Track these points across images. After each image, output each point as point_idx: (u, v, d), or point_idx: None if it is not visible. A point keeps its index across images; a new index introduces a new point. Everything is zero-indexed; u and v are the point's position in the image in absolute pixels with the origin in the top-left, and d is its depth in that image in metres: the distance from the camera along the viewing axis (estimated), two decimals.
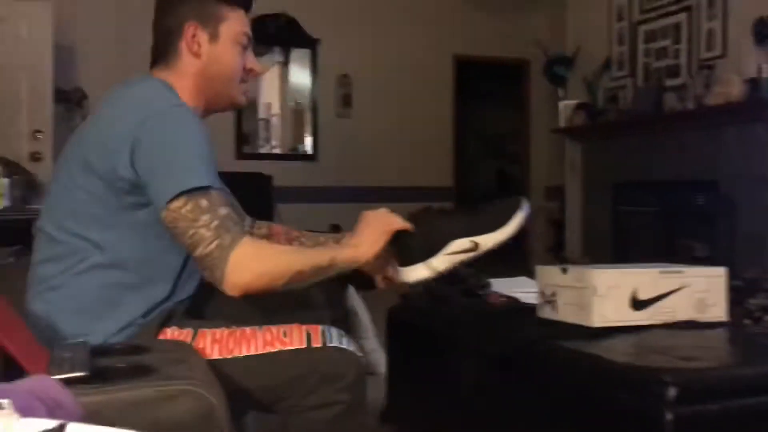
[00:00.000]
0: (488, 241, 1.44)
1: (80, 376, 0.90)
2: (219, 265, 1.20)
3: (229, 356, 1.24)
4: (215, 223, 1.21)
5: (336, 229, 6.29)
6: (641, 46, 5.20)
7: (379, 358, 3.05)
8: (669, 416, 1.18)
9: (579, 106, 5.53)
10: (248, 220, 1.69)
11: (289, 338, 1.29)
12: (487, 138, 10.20)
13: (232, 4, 1.44)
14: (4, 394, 0.53)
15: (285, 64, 6.45)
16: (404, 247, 1.43)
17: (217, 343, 1.26)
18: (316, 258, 1.32)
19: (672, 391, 1.19)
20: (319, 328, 1.33)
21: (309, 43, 6.31)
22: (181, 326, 1.30)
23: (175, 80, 1.41)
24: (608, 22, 5.48)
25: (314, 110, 6.41)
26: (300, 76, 6.47)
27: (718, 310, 1.66)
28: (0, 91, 4.70)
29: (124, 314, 1.28)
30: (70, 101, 5.50)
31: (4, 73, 4.71)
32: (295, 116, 6.52)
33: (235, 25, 1.44)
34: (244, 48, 1.47)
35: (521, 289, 2.12)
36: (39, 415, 0.54)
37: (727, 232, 4.34)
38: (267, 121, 6.51)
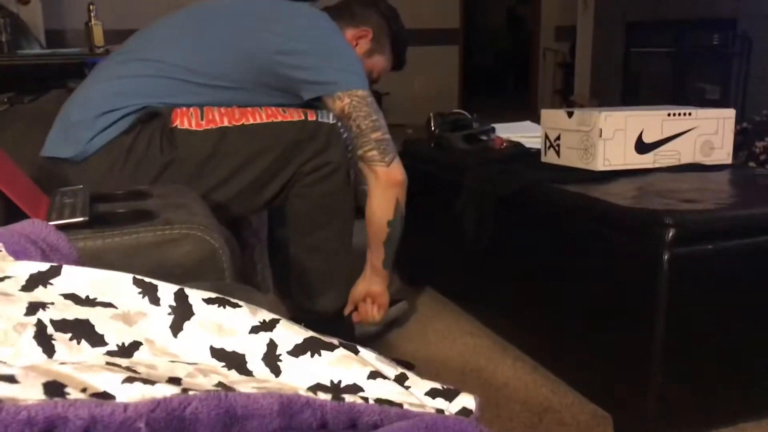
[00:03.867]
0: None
1: (80, 221, 0.90)
2: (390, 152, 1.53)
3: (238, 123, 1.41)
4: (382, 122, 1.51)
5: None
6: None
7: None
8: (666, 256, 1.20)
9: None
10: None
11: (288, 114, 1.45)
12: None
13: (394, 58, 1.75)
14: None
15: None
16: None
17: (226, 115, 1.42)
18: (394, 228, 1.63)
19: (670, 232, 1.20)
20: (315, 111, 1.47)
21: None
22: (188, 106, 1.42)
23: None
24: None
25: None
26: None
27: (723, 153, 1.64)
28: None
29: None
30: None
31: None
32: None
33: (382, 63, 1.74)
34: (373, 81, 1.72)
35: (526, 133, 2.10)
36: (33, 258, 0.55)
37: (741, 73, 4.22)
38: None
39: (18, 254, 0.52)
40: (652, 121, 1.57)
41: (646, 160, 1.58)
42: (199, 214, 0.99)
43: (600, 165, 1.54)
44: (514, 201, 1.59)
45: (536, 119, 2.10)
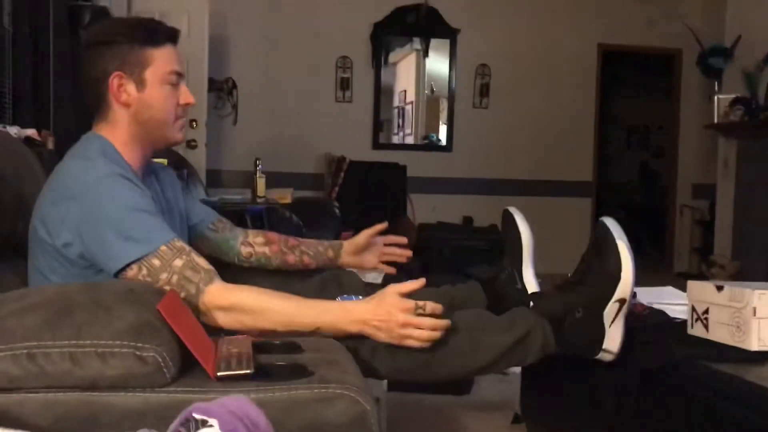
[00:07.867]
0: (626, 290, 1.54)
1: (245, 374, 0.97)
2: (195, 307, 1.26)
3: None
4: (174, 278, 1.26)
5: (468, 221, 6.28)
6: None
7: None
8: None
9: (736, 101, 5.17)
10: (239, 231, 1.74)
11: None
12: (630, 129, 9.76)
13: (157, 44, 1.44)
14: (210, 414, 0.58)
15: (424, 54, 6.48)
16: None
17: None
18: (297, 319, 1.28)
19: None
20: None
21: (449, 33, 6.30)
22: None
23: (111, 133, 1.43)
24: None
25: (451, 100, 6.40)
26: (438, 65, 6.47)
27: None
28: None
29: None
30: (221, 90, 5.84)
31: None
32: (430, 105, 6.54)
33: (161, 66, 1.44)
34: (175, 85, 1.46)
35: (668, 300, 2.03)
36: None
37: None
38: (401, 109, 6.56)
39: None
40: None
41: None
42: (350, 372, 1.03)
43: (754, 345, 1.46)
44: (658, 375, 1.53)
45: (673, 277, 2.04)
